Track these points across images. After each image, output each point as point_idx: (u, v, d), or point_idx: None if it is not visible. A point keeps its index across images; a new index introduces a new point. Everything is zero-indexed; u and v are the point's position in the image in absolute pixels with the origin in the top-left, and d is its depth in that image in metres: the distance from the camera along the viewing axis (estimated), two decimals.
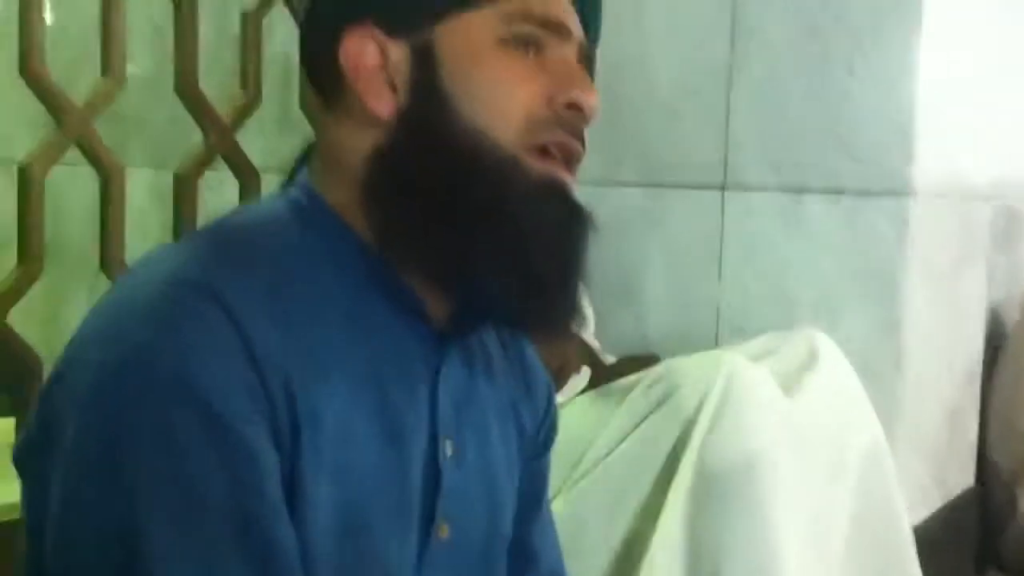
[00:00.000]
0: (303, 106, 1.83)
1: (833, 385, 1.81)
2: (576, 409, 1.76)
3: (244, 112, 1.79)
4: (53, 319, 2.50)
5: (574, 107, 0.93)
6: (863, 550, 1.78)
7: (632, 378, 1.76)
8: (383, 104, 0.92)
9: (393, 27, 0.92)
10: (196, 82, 1.71)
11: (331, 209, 0.94)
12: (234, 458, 0.81)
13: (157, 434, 0.79)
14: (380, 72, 0.92)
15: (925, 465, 2.13)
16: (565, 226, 0.93)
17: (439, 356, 0.97)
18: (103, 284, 1.67)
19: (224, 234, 0.93)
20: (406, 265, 0.93)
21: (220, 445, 0.80)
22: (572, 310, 0.96)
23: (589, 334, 1.93)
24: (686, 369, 1.68)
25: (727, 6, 2.08)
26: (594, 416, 1.73)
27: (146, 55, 2.29)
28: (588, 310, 1.94)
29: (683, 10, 2.13)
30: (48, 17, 1.63)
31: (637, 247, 2.15)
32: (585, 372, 1.86)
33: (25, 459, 0.86)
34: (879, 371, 1.95)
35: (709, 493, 1.58)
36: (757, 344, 1.89)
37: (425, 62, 0.92)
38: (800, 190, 2.03)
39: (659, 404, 1.67)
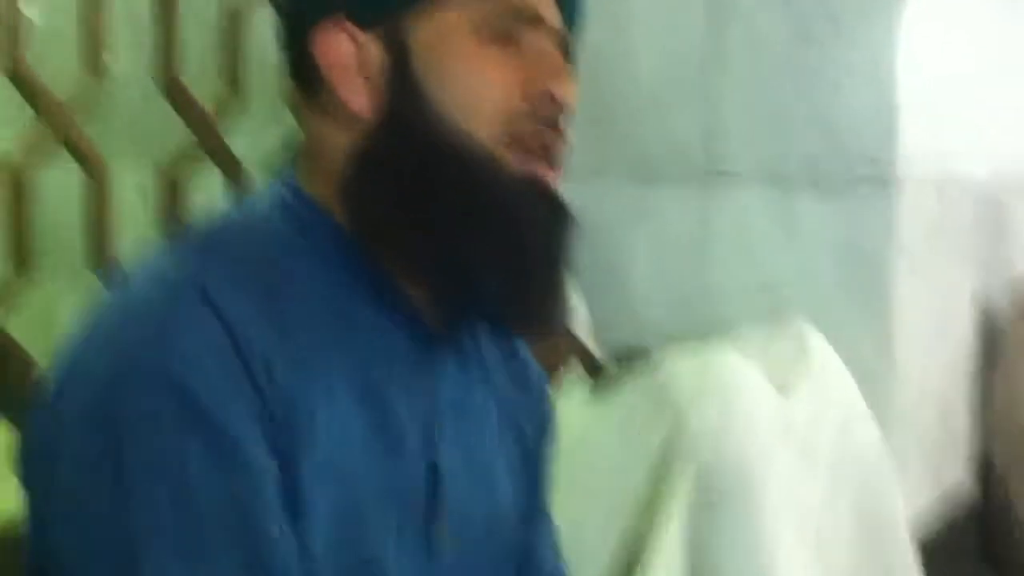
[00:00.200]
0: (287, 100, 1.82)
1: (826, 383, 1.81)
2: (567, 406, 1.76)
3: (228, 107, 1.79)
4: (44, 318, 2.49)
5: (551, 98, 0.91)
6: (863, 549, 1.78)
7: (622, 374, 1.76)
8: (359, 99, 0.91)
9: (366, 19, 0.91)
10: (180, 78, 1.71)
11: (317, 205, 0.93)
12: (232, 464, 0.81)
13: (153, 436, 0.79)
14: (354, 66, 0.91)
15: (919, 460, 2.13)
16: (546, 221, 0.92)
17: (433, 357, 0.96)
18: (94, 282, 1.66)
19: (215, 236, 0.92)
20: (391, 263, 0.92)
21: (217, 451, 0.80)
22: (558, 305, 0.95)
23: (580, 329, 1.93)
24: (677, 366, 1.68)
25: None
26: (585, 413, 1.73)
27: (129, 51, 2.28)
28: (578, 305, 1.94)
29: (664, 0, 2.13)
30: (32, 15, 1.63)
31: (625, 240, 2.15)
32: (576, 367, 1.85)
33: (29, 468, 0.86)
34: (868, 363, 1.95)
35: (705, 494, 1.57)
36: (745, 339, 1.88)
37: (398, 55, 0.90)
38: (786, 181, 2.03)
39: (651, 402, 1.66)
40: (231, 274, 0.86)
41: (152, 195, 1.71)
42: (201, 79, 1.82)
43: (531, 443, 1.09)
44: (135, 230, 1.80)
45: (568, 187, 0.95)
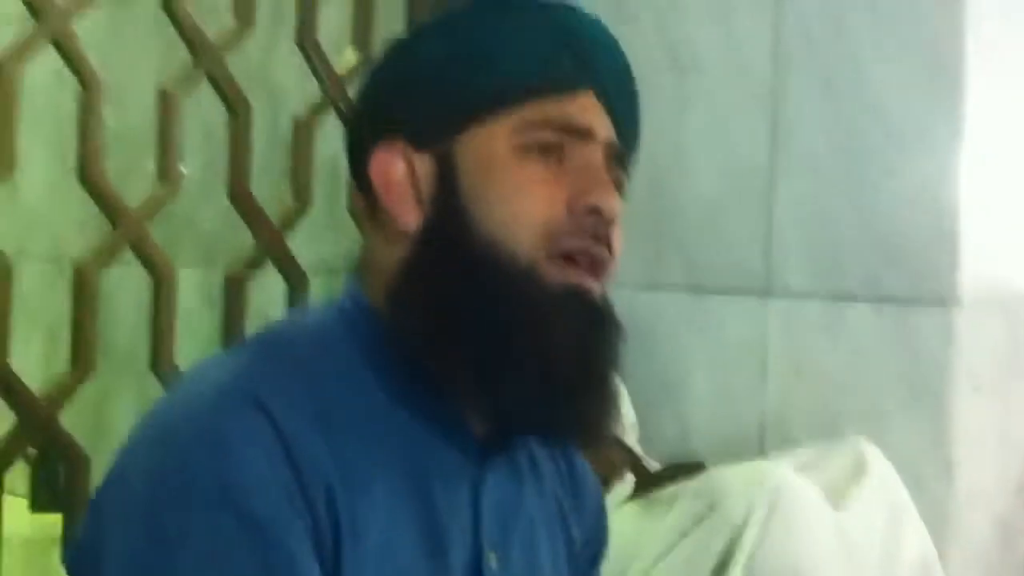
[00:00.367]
0: (351, 210, 1.86)
1: (882, 497, 1.78)
2: (620, 517, 1.74)
3: (294, 215, 1.82)
4: (101, 417, 2.52)
5: (594, 211, 0.92)
6: None
7: (677, 487, 1.75)
8: (409, 216, 0.93)
9: (420, 141, 0.94)
10: (248, 185, 1.74)
11: (375, 315, 0.94)
12: (275, 564, 0.81)
13: (201, 540, 0.80)
14: (407, 185, 0.93)
15: None
16: (588, 331, 0.92)
17: (482, 467, 0.96)
18: (152, 384, 1.69)
19: (273, 344, 0.94)
20: (440, 375, 0.93)
21: (262, 551, 0.81)
22: (605, 415, 0.95)
23: (632, 440, 1.92)
24: (732, 480, 1.66)
25: (767, 109, 2.10)
26: (639, 525, 1.71)
27: (197, 157, 2.33)
28: (630, 415, 1.93)
29: (723, 113, 2.15)
30: (106, 121, 1.67)
31: (680, 352, 2.15)
32: (629, 479, 1.84)
33: (76, 563, 0.87)
34: (928, 482, 1.91)
35: None
36: (803, 454, 1.86)
37: (446, 174, 0.93)
38: (844, 297, 2.02)
39: (705, 515, 1.65)
40: (284, 383, 0.87)
41: (216, 299, 1.74)
42: (265, 183, 1.85)
43: (582, 554, 1.08)
44: (199, 334, 1.83)
45: (624, 297, 0.96)
